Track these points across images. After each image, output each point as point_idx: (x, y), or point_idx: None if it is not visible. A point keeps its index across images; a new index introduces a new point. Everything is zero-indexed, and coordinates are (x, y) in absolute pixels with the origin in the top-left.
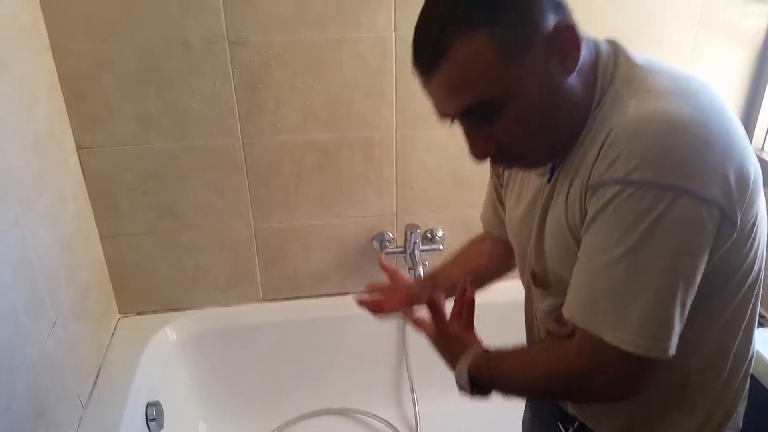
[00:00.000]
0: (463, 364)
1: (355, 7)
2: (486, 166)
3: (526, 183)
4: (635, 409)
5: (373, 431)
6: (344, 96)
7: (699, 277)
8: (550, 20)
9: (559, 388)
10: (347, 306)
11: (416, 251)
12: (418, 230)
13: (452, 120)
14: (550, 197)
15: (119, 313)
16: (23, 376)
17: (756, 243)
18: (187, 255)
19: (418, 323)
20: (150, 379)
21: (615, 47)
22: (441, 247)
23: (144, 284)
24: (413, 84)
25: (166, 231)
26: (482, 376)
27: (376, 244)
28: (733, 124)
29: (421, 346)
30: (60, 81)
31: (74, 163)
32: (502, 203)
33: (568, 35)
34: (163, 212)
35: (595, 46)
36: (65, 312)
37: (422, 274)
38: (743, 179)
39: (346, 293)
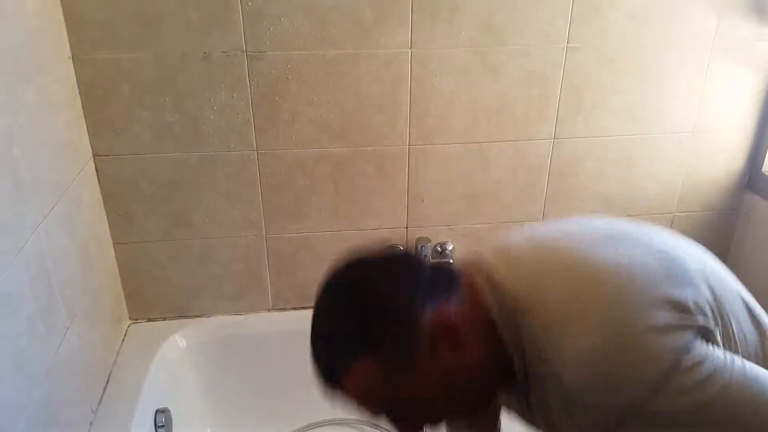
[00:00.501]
0: None
1: (373, 24)
2: (499, 178)
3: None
4: None
5: None
6: (359, 110)
7: (748, 364)
8: (428, 317)
9: None
10: None
11: None
12: (429, 244)
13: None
14: (540, 416)
15: (130, 319)
16: (37, 381)
17: (732, 324)
18: (198, 263)
19: None
20: (159, 386)
21: (487, 278)
22: (451, 260)
23: (155, 291)
24: (428, 100)
25: (178, 239)
26: None
27: None
28: (636, 268)
29: None
30: (79, 89)
31: (90, 170)
32: None
33: (444, 333)
34: (177, 220)
35: (475, 295)
36: (78, 318)
37: None
38: (679, 303)
39: None
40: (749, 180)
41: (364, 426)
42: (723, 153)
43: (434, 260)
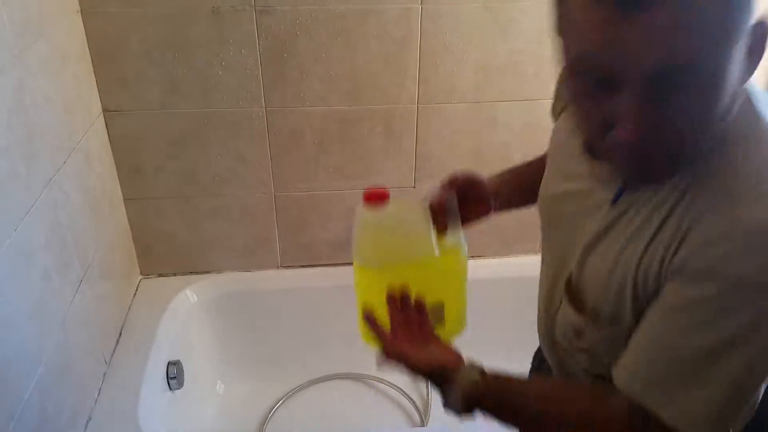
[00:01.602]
0: (458, 388)
1: None
2: (507, 139)
3: (575, 164)
4: None
5: (384, 396)
6: (368, 68)
7: None
8: (755, 13)
9: None
10: None
11: None
12: None
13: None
14: (613, 222)
15: (141, 274)
16: (53, 330)
17: None
18: (208, 220)
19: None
20: (171, 339)
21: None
22: None
23: (166, 247)
24: (437, 58)
25: (188, 195)
26: (483, 402)
27: None
28: None
29: None
30: (88, 43)
31: (100, 126)
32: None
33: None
34: (187, 177)
35: None
36: (91, 271)
37: None
38: None
39: None
40: None
41: (367, 380)
42: None
43: None
